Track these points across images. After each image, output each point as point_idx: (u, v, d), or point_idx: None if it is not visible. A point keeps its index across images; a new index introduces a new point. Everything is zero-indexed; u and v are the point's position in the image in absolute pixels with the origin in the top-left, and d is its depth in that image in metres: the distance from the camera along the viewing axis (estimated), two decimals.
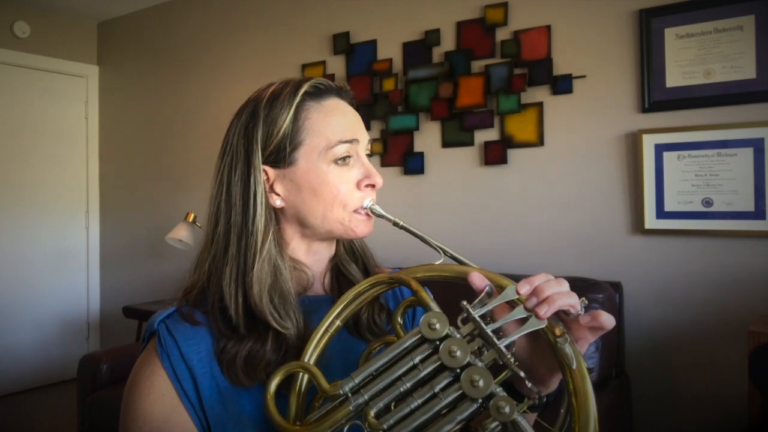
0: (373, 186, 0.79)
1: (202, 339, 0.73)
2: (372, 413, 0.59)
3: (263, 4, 3.38)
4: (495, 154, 2.56)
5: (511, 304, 0.62)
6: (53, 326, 4.00)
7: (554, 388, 0.67)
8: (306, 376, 0.65)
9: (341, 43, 3.01)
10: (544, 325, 0.60)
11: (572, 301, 0.61)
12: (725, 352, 2.11)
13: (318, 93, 0.78)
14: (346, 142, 0.76)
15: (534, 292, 0.61)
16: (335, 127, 0.76)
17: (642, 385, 2.27)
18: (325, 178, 0.75)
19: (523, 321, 0.61)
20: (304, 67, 3.16)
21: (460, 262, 0.72)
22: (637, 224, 2.27)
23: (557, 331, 0.60)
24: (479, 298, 0.62)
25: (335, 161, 0.76)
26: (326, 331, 0.68)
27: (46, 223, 3.97)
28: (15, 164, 3.83)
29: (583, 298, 0.63)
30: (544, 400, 0.65)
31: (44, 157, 3.95)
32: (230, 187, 0.76)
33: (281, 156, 0.76)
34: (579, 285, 2.17)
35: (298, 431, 0.61)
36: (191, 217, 3.23)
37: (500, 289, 0.63)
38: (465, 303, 0.61)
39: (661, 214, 2.22)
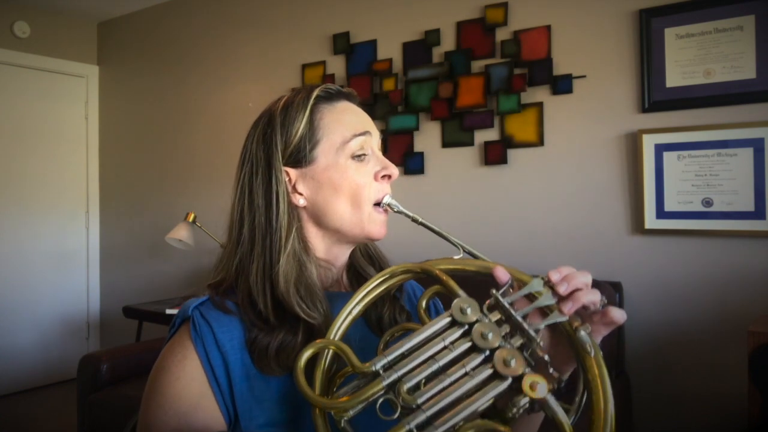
0: (389, 177, 0.82)
1: (235, 327, 0.75)
2: (405, 388, 0.61)
3: (263, 4, 3.38)
4: (495, 154, 2.56)
5: (530, 297, 0.67)
6: (53, 326, 4.00)
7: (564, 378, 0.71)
8: (330, 354, 0.67)
9: (341, 43, 3.01)
10: (566, 320, 0.65)
11: (594, 299, 0.66)
12: (725, 352, 2.11)
13: (329, 96, 0.83)
14: (360, 134, 0.81)
15: (565, 279, 0.66)
16: (348, 123, 0.81)
17: (642, 385, 2.27)
18: (344, 173, 0.79)
19: (543, 313, 0.66)
20: (304, 67, 3.15)
21: (477, 258, 0.76)
22: (637, 224, 2.27)
23: (575, 323, 0.64)
24: (502, 290, 0.66)
25: (352, 156, 0.80)
26: (357, 305, 0.71)
27: (46, 223, 3.97)
28: (15, 164, 3.83)
29: (603, 297, 0.67)
30: (563, 385, 0.68)
31: (44, 157, 3.95)
32: (252, 191, 0.80)
33: (301, 156, 0.80)
34: None
35: (329, 404, 0.62)
36: (191, 217, 3.23)
37: (520, 282, 0.68)
38: (494, 291, 0.65)
39: (661, 214, 2.22)
